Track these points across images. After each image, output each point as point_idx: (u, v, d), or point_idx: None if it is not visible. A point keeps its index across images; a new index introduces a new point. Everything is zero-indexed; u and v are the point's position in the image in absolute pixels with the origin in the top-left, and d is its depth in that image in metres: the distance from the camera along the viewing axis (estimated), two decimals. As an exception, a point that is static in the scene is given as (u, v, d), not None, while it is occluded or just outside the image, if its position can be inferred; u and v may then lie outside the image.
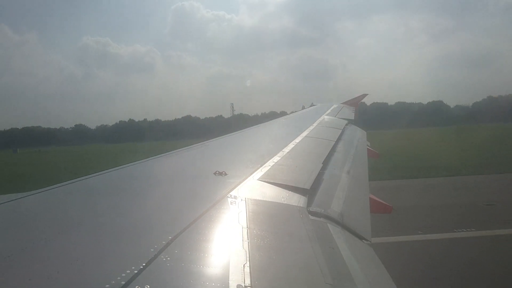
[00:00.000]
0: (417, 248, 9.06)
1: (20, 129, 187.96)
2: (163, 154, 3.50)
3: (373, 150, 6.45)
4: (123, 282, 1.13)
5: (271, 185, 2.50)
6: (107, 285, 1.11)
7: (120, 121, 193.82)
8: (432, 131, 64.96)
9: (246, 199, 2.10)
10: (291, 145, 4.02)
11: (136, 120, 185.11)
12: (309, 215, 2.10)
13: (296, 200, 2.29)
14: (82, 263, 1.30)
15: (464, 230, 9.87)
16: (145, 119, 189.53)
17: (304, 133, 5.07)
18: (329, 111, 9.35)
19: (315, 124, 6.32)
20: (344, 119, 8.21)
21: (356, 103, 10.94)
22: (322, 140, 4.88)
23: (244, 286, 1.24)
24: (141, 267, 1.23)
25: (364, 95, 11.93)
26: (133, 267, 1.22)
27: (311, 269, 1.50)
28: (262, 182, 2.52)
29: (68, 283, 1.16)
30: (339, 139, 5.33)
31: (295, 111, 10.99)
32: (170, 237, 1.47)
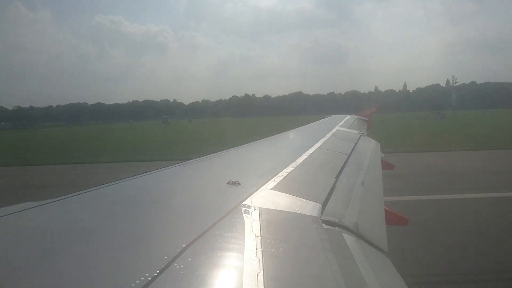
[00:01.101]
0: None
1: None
2: (177, 164, 3.53)
3: (387, 162, 6.37)
4: None
5: (284, 195, 2.48)
6: None
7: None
8: None
9: (260, 208, 2.08)
10: (304, 156, 4.00)
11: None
12: (323, 224, 2.07)
13: (310, 209, 2.27)
14: (96, 270, 1.30)
15: None
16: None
17: (318, 144, 5.05)
18: (342, 122, 9.34)
19: (328, 136, 6.30)
20: (357, 130, 8.18)
21: (369, 115, 10.91)
22: (335, 152, 4.85)
23: None
24: (155, 274, 1.23)
25: (377, 107, 11.88)
26: (147, 274, 1.22)
27: (326, 279, 1.47)
28: (276, 192, 2.50)
29: None
30: (352, 150, 5.29)
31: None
32: (183, 245, 1.47)
